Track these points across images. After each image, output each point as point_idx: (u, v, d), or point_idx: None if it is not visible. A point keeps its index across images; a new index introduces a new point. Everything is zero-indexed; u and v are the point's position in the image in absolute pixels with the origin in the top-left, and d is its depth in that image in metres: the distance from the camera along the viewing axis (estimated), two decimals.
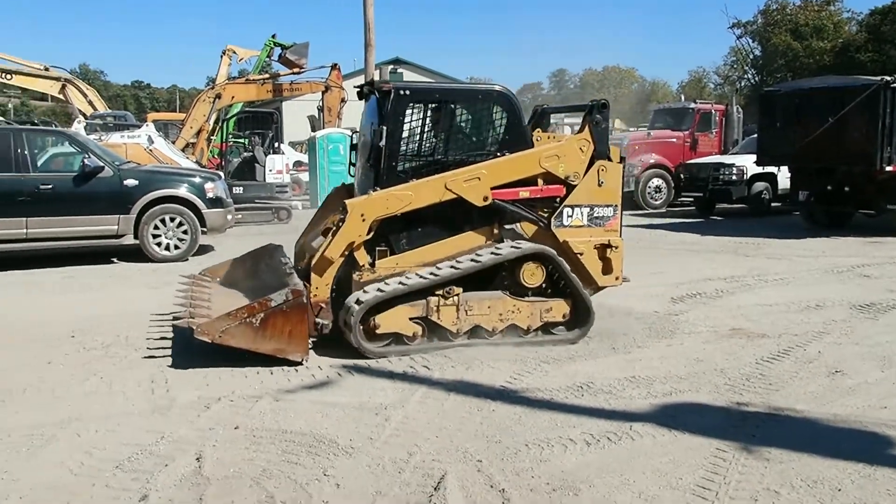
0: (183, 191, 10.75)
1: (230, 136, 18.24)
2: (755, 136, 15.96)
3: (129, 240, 10.55)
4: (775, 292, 8.43)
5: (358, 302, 5.78)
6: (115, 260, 10.79)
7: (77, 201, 10.15)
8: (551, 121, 8.96)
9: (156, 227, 10.54)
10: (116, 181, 10.36)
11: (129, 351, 6.09)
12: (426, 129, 6.50)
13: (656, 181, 19.21)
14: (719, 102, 23.36)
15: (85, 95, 23.48)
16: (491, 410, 4.75)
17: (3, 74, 23.21)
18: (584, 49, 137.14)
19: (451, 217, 6.29)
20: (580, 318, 6.32)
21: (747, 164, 16.53)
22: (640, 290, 8.14)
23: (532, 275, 6.21)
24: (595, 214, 6.46)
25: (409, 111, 6.24)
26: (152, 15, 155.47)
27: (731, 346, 6.25)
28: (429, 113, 6.48)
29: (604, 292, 6.69)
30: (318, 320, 5.97)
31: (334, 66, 19.43)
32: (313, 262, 6.04)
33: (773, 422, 4.58)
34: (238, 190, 15.13)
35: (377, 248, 6.17)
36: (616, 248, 6.47)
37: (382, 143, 6.05)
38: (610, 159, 6.50)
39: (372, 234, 6.02)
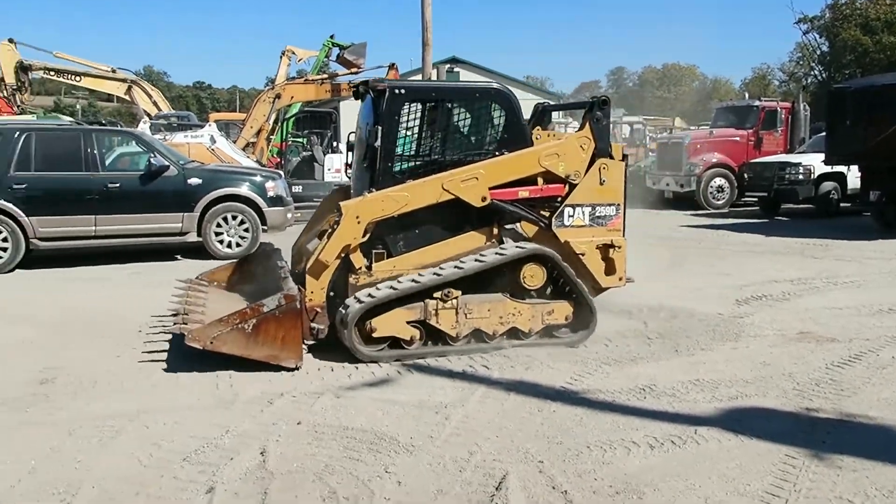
0: (245, 189, 10.96)
1: (289, 135, 18.49)
2: (822, 134, 15.51)
3: (192, 237, 10.78)
4: (845, 295, 8.17)
5: (354, 304, 5.70)
6: (178, 257, 11.07)
7: (143, 199, 10.43)
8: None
9: (218, 225, 10.78)
10: (181, 180, 10.61)
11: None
12: (423, 129, 6.43)
13: (718, 181, 18.82)
14: (785, 100, 22.76)
15: (150, 96, 24.06)
16: (551, 411, 4.71)
17: (73, 76, 23.92)
18: (644, 46, 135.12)
19: (449, 218, 6.20)
20: (583, 320, 6.21)
21: (814, 163, 16.06)
22: (703, 291, 7.98)
23: (533, 276, 6.11)
24: (597, 214, 6.37)
25: (404, 110, 6.15)
26: (213, 18, 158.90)
27: (800, 350, 6.06)
28: (425, 112, 6.39)
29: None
30: (312, 325, 5.88)
31: (392, 66, 19.53)
32: (308, 265, 5.96)
33: (844, 428, 4.43)
34: (297, 189, 15.31)
35: (374, 251, 6.08)
36: (619, 248, 6.36)
37: (378, 143, 6.01)
38: (612, 157, 6.40)
39: (368, 236, 5.94)
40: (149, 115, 22.20)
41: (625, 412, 4.70)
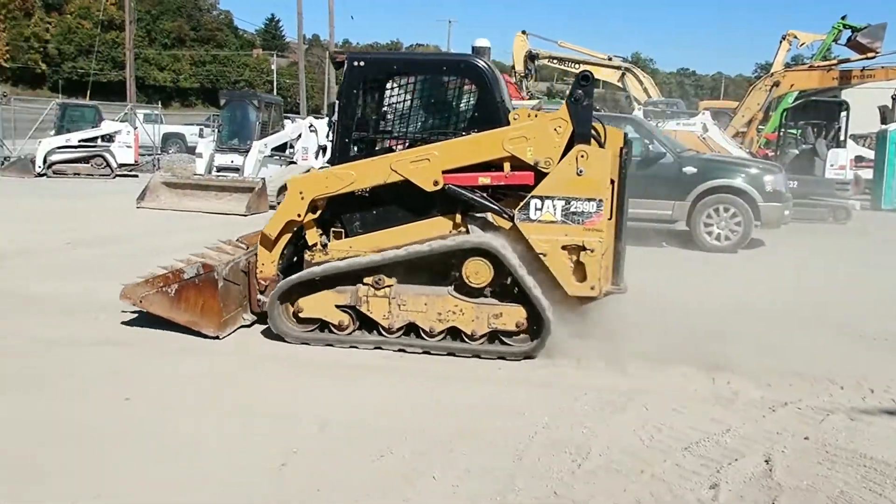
0: (740, 181, 10.65)
1: (783, 125, 17.41)
2: None
3: (680, 226, 10.83)
4: None
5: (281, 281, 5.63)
6: (664, 244, 11.22)
7: (637, 185, 10.72)
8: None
9: (708, 216, 10.65)
10: (676, 168, 10.73)
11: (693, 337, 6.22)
12: (385, 105, 5.88)
13: None
14: None
15: (641, 83, 24.75)
16: None
17: (572, 64, 25.73)
18: None
19: (413, 201, 5.68)
20: (538, 328, 5.42)
21: None
22: None
23: (477, 273, 5.47)
24: (572, 209, 5.41)
25: (364, 84, 5.78)
26: (701, 3, 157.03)
27: None
28: (388, 86, 5.85)
29: None
30: (259, 297, 5.83)
31: None
32: (259, 238, 5.87)
33: None
34: (792, 184, 14.36)
35: (332, 230, 5.84)
36: (591, 251, 5.36)
37: (335, 118, 5.55)
38: (600, 144, 5.50)
39: (319, 213, 5.76)
40: (638, 101, 22.87)
41: None
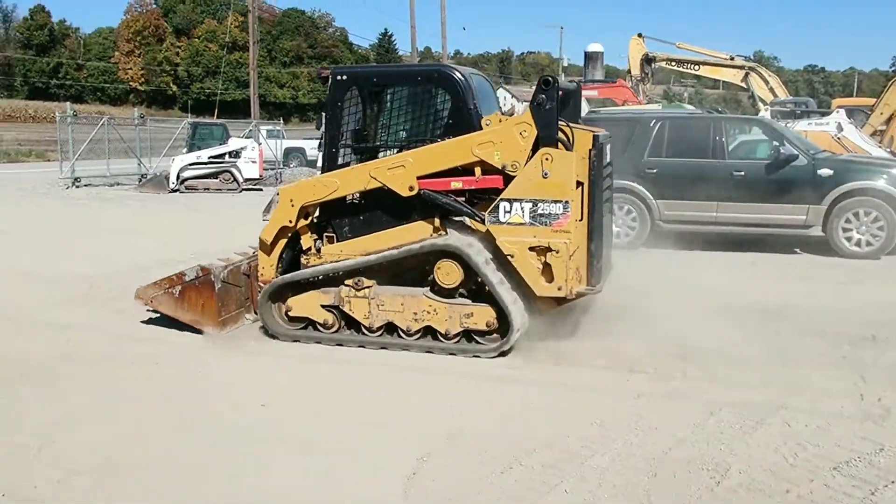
0: (882, 183, 9.94)
1: None
2: None
3: (815, 231, 10.24)
4: None
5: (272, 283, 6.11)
6: (797, 250, 10.64)
7: (767, 189, 10.27)
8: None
9: (847, 221, 10.00)
10: (810, 170, 10.15)
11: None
12: (367, 116, 6.17)
13: None
14: None
15: (766, 82, 23.71)
16: None
17: (692, 66, 24.96)
18: None
19: (394, 207, 5.95)
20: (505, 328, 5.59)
21: None
22: None
23: (448, 274, 5.74)
24: (539, 211, 5.56)
25: (348, 96, 6.09)
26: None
27: None
28: (370, 98, 6.15)
29: None
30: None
31: None
32: (259, 243, 6.27)
33: None
34: None
35: (325, 235, 6.19)
36: (557, 252, 5.47)
37: (322, 129, 5.99)
38: (567, 147, 5.61)
39: (311, 219, 6.20)
40: (763, 101, 21.92)
41: None
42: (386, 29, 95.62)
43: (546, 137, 5.59)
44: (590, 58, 27.45)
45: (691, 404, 4.78)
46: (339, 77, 6.19)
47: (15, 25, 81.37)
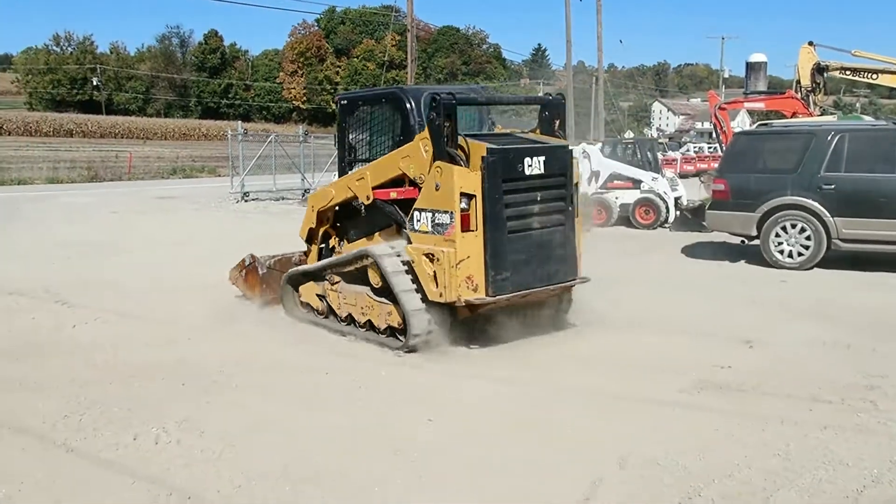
0: None
1: None
2: None
3: None
4: None
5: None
6: None
7: None
8: None
9: None
10: None
11: None
12: (356, 133, 7.10)
13: None
14: None
15: None
16: None
17: (869, 74, 23.26)
18: None
19: (377, 214, 6.65)
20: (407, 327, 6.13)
21: None
22: None
23: (373, 276, 6.42)
24: (436, 220, 6.00)
25: (348, 118, 7.09)
26: None
27: None
28: (356, 118, 7.09)
29: None
30: None
31: None
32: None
33: None
34: None
35: (345, 235, 7.23)
36: (438, 260, 5.89)
37: (335, 146, 7.19)
38: (459, 161, 5.90)
39: (329, 222, 7.28)
40: None
41: None
42: (539, 44, 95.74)
43: (438, 152, 5.98)
44: (752, 68, 26.09)
45: (884, 439, 4.40)
46: (341, 102, 7.35)
47: (191, 50, 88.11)
